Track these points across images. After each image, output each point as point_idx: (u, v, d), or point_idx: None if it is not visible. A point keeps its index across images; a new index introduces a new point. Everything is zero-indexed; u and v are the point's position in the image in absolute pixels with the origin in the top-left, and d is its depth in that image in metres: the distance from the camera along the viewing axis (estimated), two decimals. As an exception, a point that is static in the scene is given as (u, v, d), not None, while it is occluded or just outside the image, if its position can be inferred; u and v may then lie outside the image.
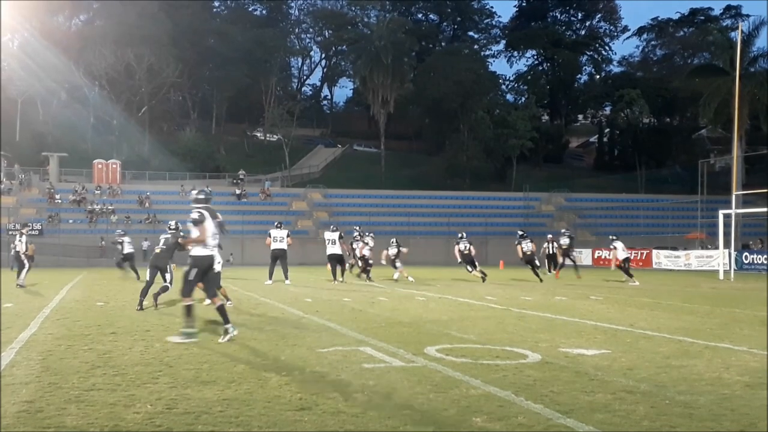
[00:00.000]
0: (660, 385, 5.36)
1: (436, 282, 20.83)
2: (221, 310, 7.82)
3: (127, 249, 21.14)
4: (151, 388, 5.18)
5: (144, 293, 11.47)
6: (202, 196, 8.16)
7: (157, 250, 12.35)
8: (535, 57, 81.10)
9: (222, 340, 7.52)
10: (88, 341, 7.66)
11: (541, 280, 20.68)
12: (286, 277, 18.76)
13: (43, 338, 7.90)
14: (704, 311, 11.54)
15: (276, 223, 19.35)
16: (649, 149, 64.33)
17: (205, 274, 7.88)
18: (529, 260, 21.30)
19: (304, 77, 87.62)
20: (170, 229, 12.47)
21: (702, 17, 72.25)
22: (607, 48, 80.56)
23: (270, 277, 18.89)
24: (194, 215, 7.79)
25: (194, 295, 7.86)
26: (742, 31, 32.42)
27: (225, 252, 17.98)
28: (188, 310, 7.71)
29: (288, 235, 18.87)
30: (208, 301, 8.17)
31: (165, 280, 12.03)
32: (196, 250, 7.84)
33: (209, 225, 7.85)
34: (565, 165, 73.39)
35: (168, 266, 12.18)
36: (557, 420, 4.32)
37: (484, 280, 19.91)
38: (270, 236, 18.77)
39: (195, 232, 7.82)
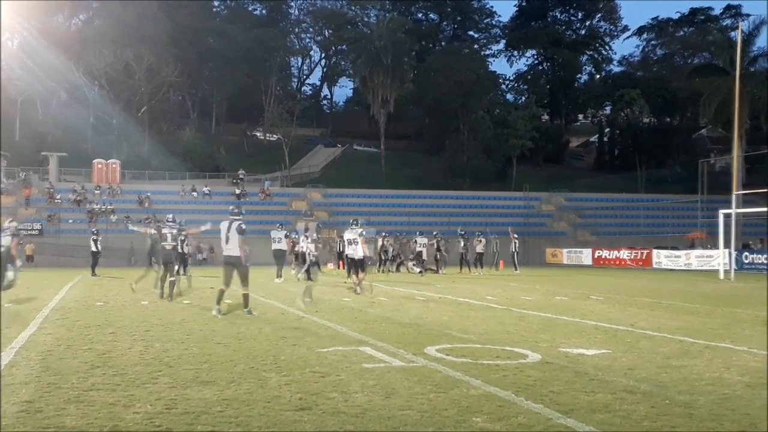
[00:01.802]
0: (660, 385, 5.35)
1: (436, 282, 20.83)
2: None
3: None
4: (150, 388, 5.17)
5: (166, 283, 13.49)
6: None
7: (168, 246, 13.57)
8: (535, 57, 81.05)
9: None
10: (88, 341, 7.66)
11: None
12: (278, 276, 19.48)
13: (42, 338, 7.90)
14: (705, 311, 11.53)
15: (277, 225, 20.65)
16: (649, 149, 64.25)
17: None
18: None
19: (304, 77, 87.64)
20: (169, 221, 13.92)
21: (702, 17, 72.20)
22: (607, 48, 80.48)
23: (278, 276, 19.60)
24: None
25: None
26: (742, 31, 32.34)
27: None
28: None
29: (286, 236, 19.77)
30: None
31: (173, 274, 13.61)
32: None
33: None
34: (566, 165, 73.33)
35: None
36: (557, 420, 4.31)
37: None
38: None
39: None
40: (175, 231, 13.79)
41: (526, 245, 45.30)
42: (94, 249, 24.07)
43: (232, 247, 10.56)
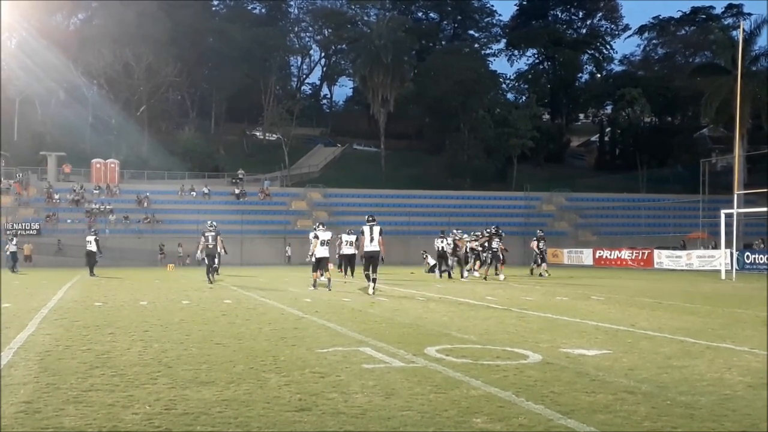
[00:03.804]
0: (661, 386, 5.33)
1: (436, 282, 20.84)
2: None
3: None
4: (149, 389, 5.15)
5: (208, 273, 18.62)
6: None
7: (210, 245, 18.38)
8: (536, 56, 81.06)
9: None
10: (87, 342, 7.63)
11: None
12: (351, 274, 20.54)
13: (41, 339, 7.88)
14: (706, 311, 11.51)
15: (348, 230, 21.75)
16: (650, 148, 64.20)
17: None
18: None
19: (304, 76, 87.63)
20: (209, 226, 18.74)
21: (703, 16, 72.21)
22: (608, 47, 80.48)
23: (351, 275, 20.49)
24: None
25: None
26: (743, 30, 32.33)
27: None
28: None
29: (357, 239, 20.63)
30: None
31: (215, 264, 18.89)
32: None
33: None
34: (566, 164, 73.31)
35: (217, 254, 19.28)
36: (558, 421, 4.29)
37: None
38: (342, 240, 20.80)
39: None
40: (214, 233, 18.43)
41: (527, 245, 45.34)
42: (92, 249, 24.08)
43: (375, 245, 14.44)
